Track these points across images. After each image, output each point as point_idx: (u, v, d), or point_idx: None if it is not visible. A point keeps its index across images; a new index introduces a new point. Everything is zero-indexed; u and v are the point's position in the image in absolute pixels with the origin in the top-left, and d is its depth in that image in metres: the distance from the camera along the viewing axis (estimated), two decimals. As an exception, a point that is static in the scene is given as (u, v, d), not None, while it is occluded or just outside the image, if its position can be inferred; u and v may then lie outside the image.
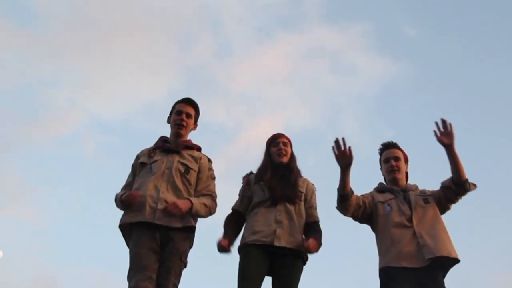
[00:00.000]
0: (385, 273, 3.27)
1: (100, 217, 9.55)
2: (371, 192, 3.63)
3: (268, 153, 3.65)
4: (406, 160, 3.67)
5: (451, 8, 11.12)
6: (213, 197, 3.47)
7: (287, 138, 3.68)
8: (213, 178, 3.56)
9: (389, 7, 11.40)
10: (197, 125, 3.71)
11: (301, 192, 3.49)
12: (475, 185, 3.40)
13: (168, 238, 3.22)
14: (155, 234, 3.20)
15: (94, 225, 9.77)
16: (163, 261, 3.17)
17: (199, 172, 3.51)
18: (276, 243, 3.24)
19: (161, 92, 11.04)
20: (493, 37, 11.12)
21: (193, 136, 3.71)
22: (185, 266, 3.27)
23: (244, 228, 3.45)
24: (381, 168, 3.72)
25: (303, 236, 3.41)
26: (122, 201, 3.30)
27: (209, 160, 3.62)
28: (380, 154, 3.72)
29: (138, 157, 3.57)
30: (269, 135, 3.75)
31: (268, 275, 3.31)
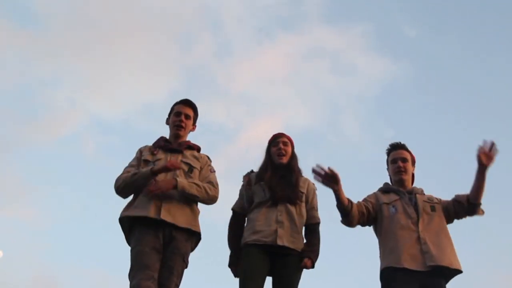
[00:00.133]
0: (386, 274, 3.27)
1: (100, 217, 9.57)
2: (374, 193, 3.61)
3: (268, 153, 3.65)
4: (413, 162, 3.66)
5: (451, 8, 11.13)
6: (212, 184, 3.45)
7: (288, 138, 3.67)
8: (213, 172, 3.56)
9: (389, 7, 11.41)
10: (195, 126, 3.72)
11: (302, 193, 3.49)
12: (483, 212, 3.43)
13: (171, 238, 3.21)
14: (158, 233, 3.18)
15: (94, 225, 9.80)
16: (165, 261, 3.16)
17: (200, 170, 3.52)
18: (279, 242, 3.24)
19: (161, 92, 11.06)
20: (493, 37, 11.13)
21: (192, 137, 3.72)
22: (186, 267, 3.27)
23: (245, 228, 3.45)
24: (387, 168, 3.70)
25: (303, 237, 3.42)
26: (153, 172, 3.25)
27: (209, 159, 3.64)
28: (388, 154, 3.70)
29: (141, 152, 3.54)
30: (270, 135, 3.74)
31: (269, 275, 3.31)
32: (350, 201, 3.34)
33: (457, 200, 3.45)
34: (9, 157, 11.16)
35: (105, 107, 11.57)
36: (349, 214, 3.33)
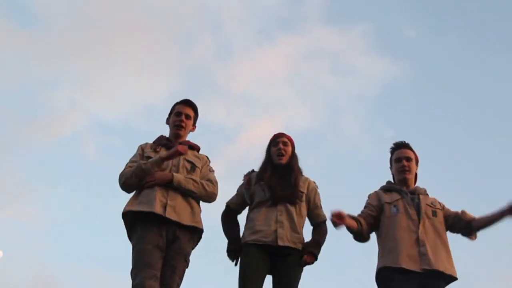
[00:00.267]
0: (384, 273, 3.27)
1: (100, 217, 9.58)
2: (376, 192, 3.61)
3: (268, 153, 3.65)
4: (417, 162, 3.66)
5: (451, 8, 11.13)
6: (211, 181, 3.46)
7: (288, 138, 3.67)
8: (212, 171, 3.57)
9: (389, 7, 11.41)
10: (195, 127, 3.72)
11: (302, 192, 3.49)
12: (476, 237, 3.49)
13: (175, 237, 3.21)
14: (162, 231, 3.17)
15: (94, 225, 9.80)
16: (168, 260, 3.16)
17: (201, 169, 3.52)
18: (280, 243, 3.25)
19: (161, 92, 11.06)
20: (493, 37, 11.13)
21: (192, 137, 3.72)
22: (187, 266, 3.28)
23: (245, 228, 3.45)
24: (390, 167, 3.71)
25: (303, 236, 3.42)
26: (163, 159, 3.27)
27: (208, 159, 3.66)
28: (392, 153, 3.70)
29: (142, 148, 3.54)
30: (270, 135, 3.74)
31: (269, 274, 3.31)
32: (358, 220, 3.38)
33: (459, 216, 3.47)
34: (9, 157, 11.18)
35: (105, 107, 11.58)
36: (361, 233, 3.39)
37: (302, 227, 3.44)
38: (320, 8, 11.90)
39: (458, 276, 3.26)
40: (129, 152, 3.56)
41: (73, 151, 11.15)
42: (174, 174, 3.31)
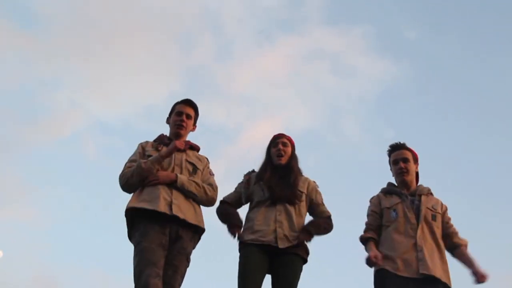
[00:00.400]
0: (381, 275, 3.28)
1: (100, 217, 9.58)
2: (377, 196, 3.61)
3: (268, 153, 3.65)
4: (416, 160, 3.64)
5: (451, 8, 11.14)
6: (212, 186, 3.47)
7: (288, 138, 3.67)
8: (212, 174, 3.58)
9: (389, 8, 11.41)
10: (196, 126, 3.72)
11: (302, 192, 3.49)
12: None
13: (178, 236, 3.21)
14: (165, 229, 3.17)
15: (94, 225, 9.80)
16: (170, 259, 3.15)
17: (202, 171, 3.53)
18: (281, 246, 3.25)
19: (161, 93, 11.05)
20: (493, 37, 11.13)
21: (193, 137, 3.72)
22: (188, 265, 3.28)
23: (244, 227, 3.45)
24: (391, 169, 3.69)
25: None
26: (162, 156, 3.28)
27: (208, 160, 3.66)
28: (389, 155, 3.68)
29: (142, 147, 3.53)
30: (270, 136, 3.75)
31: (268, 273, 3.32)
32: (374, 241, 3.42)
33: (451, 235, 3.45)
34: (9, 157, 11.19)
35: (105, 107, 11.58)
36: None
37: (302, 227, 3.43)
38: (320, 9, 11.92)
39: (452, 284, 3.26)
40: (129, 152, 3.56)
41: (73, 151, 11.16)
42: (178, 175, 3.32)
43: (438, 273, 3.20)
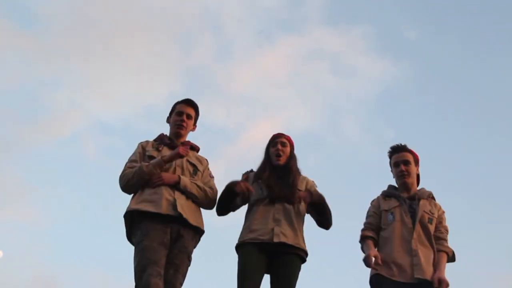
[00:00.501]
0: (376, 281, 3.29)
1: (100, 217, 9.59)
2: (377, 199, 3.62)
3: (267, 153, 3.65)
4: (417, 162, 3.62)
5: (451, 8, 11.14)
6: (212, 190, 3.47)
7: (287, 138, 3.66)
8: (212, 177, 3.59)
9: (389, 8, 11.41)
10: (196, 126, 3.72)
11: (300, 191, 3.49)
12: None
13: (179, 235, 3.21)
14: (167, 228, 3.17)
15: (94, 225, 9.80)
16: (171, 258, 3.15)
17: (202, 173, 3.54)
18: (275, 240, 3.24)
19: (161, 93, 11.05)
20: (493, 37, 11.14)
21: (192, 137, 3.73)
22: (190, 264, 3.28)
23: (242, 227, 3.45)
24: (391, 171, 3.69)
25: (303, 236, 3.41)
26: (165, 161, 3.27)
27: (207, 161, 3.66)
28: (390, 157, 3.67)
29: (142, 147, 3.52)
30: (270, 136, 3.72)
31: (267, 273, 3.31)
32: (373, 240, 3.43)
33: (436, 238, 3.40)
34: (9, 157, 11.19)
35: (105, 107, 11.57)
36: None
37: (301, 226, 3.43)
38: (320, 9, 11.92)
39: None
40: (129, 152, 3.56)
41: (73, 151, 11.16)
42: (181, 176, 3.33)
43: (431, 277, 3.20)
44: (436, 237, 3.40)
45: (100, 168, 10.89)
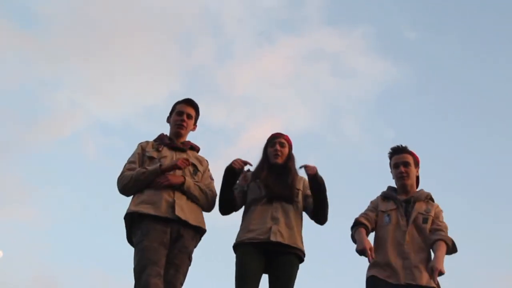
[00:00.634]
0: (372, 283, 3.30)
1: (100, 217, 9.60)
2: (377, 199, 3.63)
3: (265, 152, 3.62)
4: (417, 164, 3.61)
5: (451, 9, 11.14)
6: (213, 192, 3.47)
7: (286, 138, 3.63)
8: (213, 179, 3.59)
9: (389, 9, 11.42)
10: (196, 126, 3.71)
11: (298, 189, 3.49)
12: None
13: (179, 235, 3.21)
14: (166, 228, 3.16)
15: (94, 225, 9.81)
16: (172, 258, 3.15)
17: (203, 173, 3.54)
18: (272, 238, 3.23)
19: (162, 93, 11.05)
20: (493, 37, 11.14)
21: (193, 137, 3.72)
22: (190, 264, 3.28)
23: (240, 227, 3.44)
24: (391, 172, 3.68)
25: (301, 235, 3.41)
26: (162, 170, 3.25)
27: (207, 163, 3.65)
28: (390, 158, 3.66)
29: (142, 147, 3.52)
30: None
31: (265, 273, 3.31)
32: (365, 228, 3.43)
33: (433, 229, 3.38)
34: (9, 157, 11.20)
35: (105, 108, 11.58)
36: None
37: (300, 226, 3.43)
38: (321, 10, 11.92)
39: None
40: (129, 152, 3.56)
41: (73, 151, 11.17)
42: (186, 179, 3.32)
43: (424, 279, 3.19)
44: (433, 230, 3.38)
45: (100, 168, 10.90)
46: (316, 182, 3.35)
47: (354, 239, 3.45)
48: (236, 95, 12.12)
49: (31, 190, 10.89)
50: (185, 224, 3.22)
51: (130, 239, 3.32)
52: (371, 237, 3.52)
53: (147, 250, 3.06)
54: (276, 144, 3.57)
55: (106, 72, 11.61)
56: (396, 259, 3.25)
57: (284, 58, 12.11)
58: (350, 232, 3.52)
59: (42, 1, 11.29)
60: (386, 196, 3.59)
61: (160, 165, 3.30)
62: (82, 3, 11.51)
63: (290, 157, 3.59)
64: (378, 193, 3.69)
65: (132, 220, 3.24)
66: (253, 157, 3.59)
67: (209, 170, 3.62)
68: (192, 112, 3.63)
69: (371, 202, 3.65)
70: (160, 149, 3.47)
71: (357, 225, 3.46)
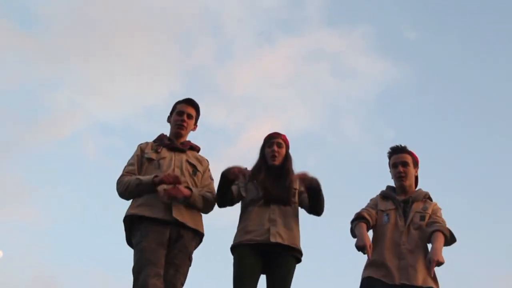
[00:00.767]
0: (367, 283, 3.30)
1: (100, 217, 9.60)
2: (376, 197, 3.63)
3: (262, 153, 3.59)
4: (416, 164, 3.61)
5: (451, 9, 11.14)
6: (212, 193, 3.46)
7: (283, 139, 3.59)
8: (212, 179, 3.58)
9: (389, 9, 11.42)
10: (196, 126, 3.70)
11: (295, 189, 3.47)
12: None
13: (179, 236, 3.20)
14: (165, 229, 3.16)
15: (94, 225, 9.81)
16: (171, 259, 3.15)
17: (202, 174, 3.53)
18: (272, 239, 3.22)
19: (162, 93, 11.05)
20: (493, 37, 11.14)
21: (193, 137, 3.72)
22: (190, 265, 3.28)
23: (237, 228, 3.43)
24: (390, 171, 3.68)
25: (299, 237, 3.40)
26: (155, 183, 3.18)
27: (208, 162, 3.65)
28: (389, 158, 3.66)
29: (141, 149, 3.50)
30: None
31: (263, 273, 3.31)
32: (366, 223, 3.42)
33: (431, 222, 3.37)
34: (9, 157, 11.20)
35: (105, 108, 11.58)
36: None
37: (297, 227, 3.41)
38: (321, 10, 11.92)
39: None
40: (129, 152, 3.55)
41: (73, 151, 11.16)
42: (193, 191, 3.29)
43: (420, 280, 3.18)
44: (429, 223, 3.37)
45: (100, 168, 10.90)
46: (313, 190, 3.34)
47: (353, 233, 3.45)
48: (236, 95, 12.12)
49: (31, 190, 10.90)
50: (184, 225, 3.22)
51: (129, 242, 3.31)
52: (370, 235, 3.52)
53: (146, 250, 3.06)
54: (274, 144, 3.54)
55: (106, 72, 11.61)
56: (392, 259, 3.25)
57: (284, 58, 12.12)
58: (350, 233, 3.52)
59: (42, 1, 11.30)
60: (385, 195, 3.59)
61: (154, 179, 3.23)
62: (82, 3, 11.52)
63: (287, 158, 3.55)
64: (378, 193, 3.68)
65: (132, 222, 3.25)
66: (253, 157, 3.59)
67: (209, 170, 3.61)
68: (193, 112, 3.63)
69: (371, 199, 3.64)
70: (159, 150, 3.46)
71: (358, 219, 3.45)
